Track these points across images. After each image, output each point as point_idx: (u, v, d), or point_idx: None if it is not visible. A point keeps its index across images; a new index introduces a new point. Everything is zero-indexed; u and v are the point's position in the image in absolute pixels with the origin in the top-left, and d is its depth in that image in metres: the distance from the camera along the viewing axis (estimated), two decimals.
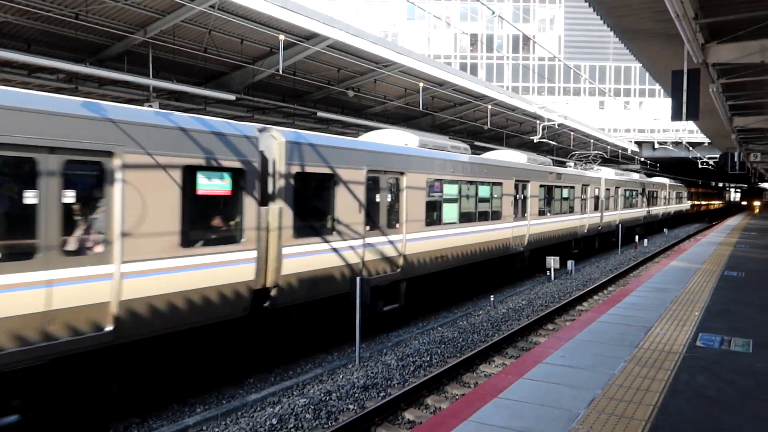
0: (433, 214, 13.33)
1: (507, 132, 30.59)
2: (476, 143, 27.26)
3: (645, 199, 36.20)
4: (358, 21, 70.08)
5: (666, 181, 44.98)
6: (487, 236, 15.84)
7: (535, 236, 19.28)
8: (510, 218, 17.18)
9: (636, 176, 35.70)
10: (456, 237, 14.25)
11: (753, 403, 5.35)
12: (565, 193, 22.29)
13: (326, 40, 14.21)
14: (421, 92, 19.29)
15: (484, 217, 15.76)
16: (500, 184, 16.61)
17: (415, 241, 12.50)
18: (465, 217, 14.77)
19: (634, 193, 33.65)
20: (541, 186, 19.71)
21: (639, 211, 35.04)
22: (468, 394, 5.58)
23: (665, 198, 43.52)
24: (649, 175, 46.94)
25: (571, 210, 22.99)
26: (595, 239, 27.53)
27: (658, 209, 41.43)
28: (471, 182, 15.03)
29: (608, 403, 5.29)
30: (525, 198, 18.51)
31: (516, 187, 17.76)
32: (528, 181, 18.63)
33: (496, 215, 16.41)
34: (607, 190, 27.90)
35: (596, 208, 26.21)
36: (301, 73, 16.94)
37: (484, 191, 15.81)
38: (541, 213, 19.86)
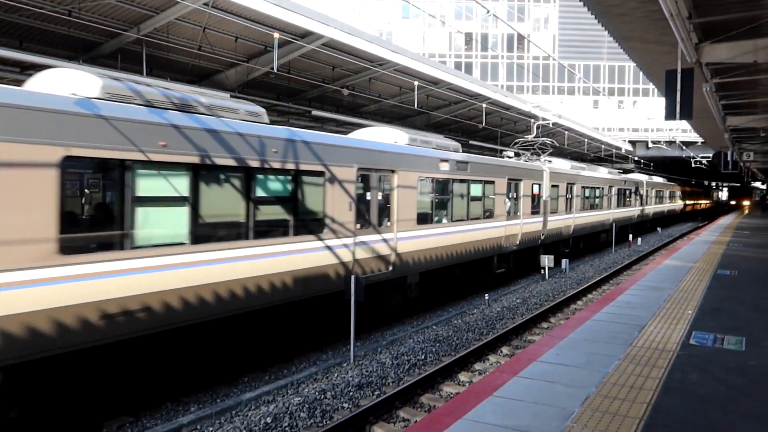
0: (100, 229, 7.06)
1: (501, 131, 30.70)
2: (471, 142, 27.37)
3: (614, 200, 30.11)
4: (353, 19, 70.06)
5: (643, 177, 38.56)
6: (271, 265, 9.10)
7: (415, 255, 12.83)
8: (346, 230, 10.72)
9: (603, 171, 29.63)
10: (166, 273, 7.59)
11: (745, 401, 5.38)
12: (476, 190, 15.70)
13: (321, 38, 14.20)
14: (415, 91, 19.32)
15: (277, 230, 9.32)
16: (317, 174, 10.06)
17: (70, 281, 6.59)
18: (219, 233, 8.35)
19: (598, 191, 27.24)
20: (423, 179, 13.17)
21: (604, 214, 28.39)
22: (463, 392, 5.59)
23: (643, 197, 37.17)
24: (627, 171, 43.71)
25: (489, 215, 16.33)
26: (536, 251, 20.64)
27: (633, 211, 34.61)
28: (233, 170, 8.55)
29: (602, 401, 5.30)
30: (388, 197, 12.10)
31: (364, 179, 11.36)
32: (394, 171, 12.10)
33: (310, 226, 9.96)
34: (555, 187, 21.39)
35: (536, 211, 19.69)
36: (296, 71, 16.92)
37: (273, 187, 9.37)
38: (426, 220, 13.35)
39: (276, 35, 13.03)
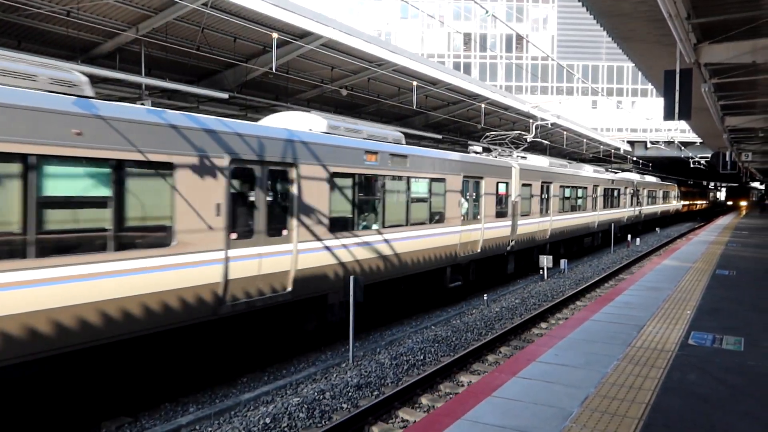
0: None
1: (501, 131, 30.67)
2: (469, 142, 27.36)
3: (600, 201, 27.60)
4: (351, 19, 70.06)
5: (634, 177, 36.09)
6: (71, 293, 6.50)
7: (328, 270, 10.31)
8: (212, 242, 8.13)
9: (588, 169, 27.28)
10: None
11: (744, 400, 5.38)
12: (420, 188, 13.19)
13: (320, 38, 14.19)
14: (414, 91, 19.31)
15: (84, 244, 6.67)
16: (159, 165, 7.51)
17: None
18: None
19: (581, 191, 24.62)
20: (341, 175, 10.71)
21: (589, 217, 25.75)
22: (462, 392, 5.58)
23: (633, 198, 34.60)
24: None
25: (439, 219, 13.82)
26: (505, 261, 18.21)
27: (622, 213, 32.04)
28: None
29: (601, 402, 5.30)
30: (286, 198, 9.59)
31: (243, 174, 8.79)
32: (293, 165, 9.57)
33: (147, 238, 7.40)
34: (526, 186, 18.83)
35: (502, 214, 17.17)
36: (295, 71, 16.91)
37: (77, 185, 6.69)
38: (346, 226, 10.86)
39: (274, 35, 13.02)
